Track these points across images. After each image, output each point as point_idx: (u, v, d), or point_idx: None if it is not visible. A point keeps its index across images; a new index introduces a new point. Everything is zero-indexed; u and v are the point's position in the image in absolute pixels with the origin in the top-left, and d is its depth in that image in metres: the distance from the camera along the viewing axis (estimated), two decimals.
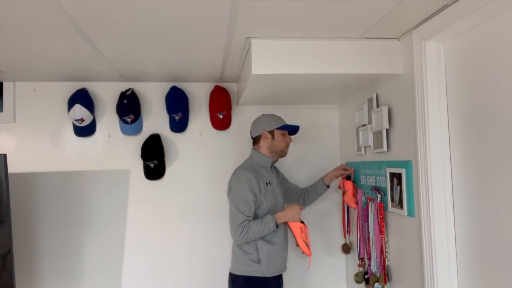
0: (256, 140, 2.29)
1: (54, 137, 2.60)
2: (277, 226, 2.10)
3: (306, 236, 2.15)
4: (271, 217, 2.10)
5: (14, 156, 2.51)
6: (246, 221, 2.05)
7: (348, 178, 2.45)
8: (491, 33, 1.44)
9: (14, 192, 2.45)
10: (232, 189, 2.14)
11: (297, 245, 2.17)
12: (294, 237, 2.16)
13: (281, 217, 2.13)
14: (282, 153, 2.30)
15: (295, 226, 2.15)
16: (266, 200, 2.14)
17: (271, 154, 2.26)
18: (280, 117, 2.30)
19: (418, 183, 1.74)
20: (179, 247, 2.66)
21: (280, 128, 2.25)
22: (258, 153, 2.26)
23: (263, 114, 2.33)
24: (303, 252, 2.16)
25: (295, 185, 2.59)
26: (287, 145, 2.30)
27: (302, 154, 2.80)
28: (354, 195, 2.35)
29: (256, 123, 2.29)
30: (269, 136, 2.24)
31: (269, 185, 2.18)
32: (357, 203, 2.33)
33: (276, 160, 2.32)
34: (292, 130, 2.31)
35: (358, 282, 2.35)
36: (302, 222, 2.17)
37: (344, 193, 2.43)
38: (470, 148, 1.57)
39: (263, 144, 2.25)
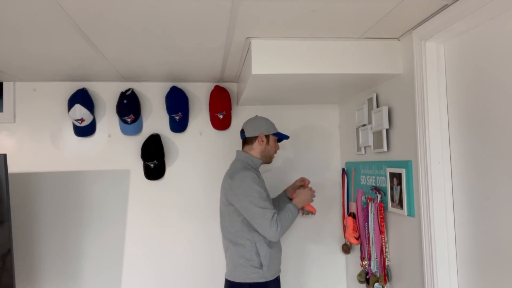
0: (248, 141, 2.24)
1: (54, 137, 2.60)
2: (298, 211, 2.13)
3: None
4: (291, 204, 2.11)
5: (14, 156, 2.51)
6: (275, 214, 2.00)
7: (349, 214, 2.43)
8: (491, 33, 1.44)
9: (14, 192, 2.45)
10: (240, 193, 2.03)
11: (305, 212, 2.27)
12: (310, 212, 2.24)
13: (298, 203, 2.15)
14: (270, 159, 2.28)
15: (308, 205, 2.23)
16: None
17: (261, 157, 2.23)
18: (273, 123, 2.29)
19: (418, 183, 1.74)
20: (178, 247, 2.66)
21: (275, 134, 2.25)
22: (249, 155, 2.20)
23: (257, 116, 2.31)
24: (309, 213, 2.25)
25: None
26: (276, 152, 2.29)
27: (302, 154, 2.80)
28: (355, 230, 2.35)
29: (252, 123, 2.24)
30: (265, 140, 2.21)
31: None
32: (358, 238, 2.32)
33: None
34: (285, 138, 2.32)
35: (361, 282, 2.35)
36: None
37: (345, 228, 2.43)
38: (470, 148, 1.57)
39: (257, 147, 2.21)
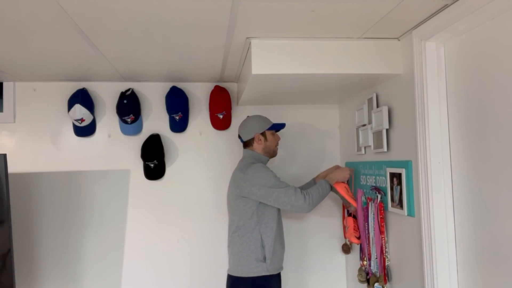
0: (248, 144, 2.29)
1: (54, 137, 2.60)
2: (331, 188, 2.16)
3: (351, 192, 2.27)
4: (323, 180, 2.17)
5: (14, 156, 2.51)
6: (297, 188, 2.08)
7: (349, 214, 2.43)
8: (491, 33, 1.44)
9: (14, 192, 2.45)
10: (258, 182, 2.07)
11: (347, 205, 2.35)
12: (342, 197, 2.25)
13: (332, 178, 2.20)
14: (274, 153, 2.34)
15: (340, 187, 2.22)
16: None
17: (265, 154, 2.29)
18: (266, 117, 2.33)
19: (418, 183, 1.74)
20: (179, 247, 2.66)
21: (270, 128, 2.29)
22: (255, 153, 2.26)
23: (249, 116, 2.34)
24: (351, 206, 2.29)
25: None
26: (277, 144, 2.35)
27: (302, 154, 2.80)
28: (356, 230, 2.34)
29: (245, 126, 2.29)
30: (262, 138, 2.26)
31: None
32: (359, 238, 2.31)
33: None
34: (281, 128, 2.35)
35: (361, 281, 2.34)
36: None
37: (345, 228, 2.43)
38: (470, 148, 1.57)
39: (257, 146, 2.26)
